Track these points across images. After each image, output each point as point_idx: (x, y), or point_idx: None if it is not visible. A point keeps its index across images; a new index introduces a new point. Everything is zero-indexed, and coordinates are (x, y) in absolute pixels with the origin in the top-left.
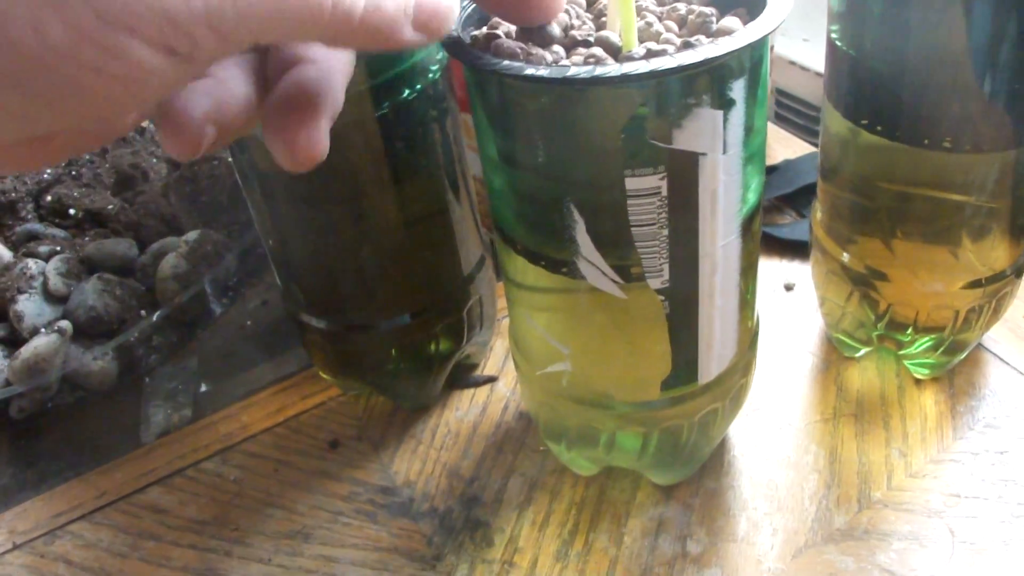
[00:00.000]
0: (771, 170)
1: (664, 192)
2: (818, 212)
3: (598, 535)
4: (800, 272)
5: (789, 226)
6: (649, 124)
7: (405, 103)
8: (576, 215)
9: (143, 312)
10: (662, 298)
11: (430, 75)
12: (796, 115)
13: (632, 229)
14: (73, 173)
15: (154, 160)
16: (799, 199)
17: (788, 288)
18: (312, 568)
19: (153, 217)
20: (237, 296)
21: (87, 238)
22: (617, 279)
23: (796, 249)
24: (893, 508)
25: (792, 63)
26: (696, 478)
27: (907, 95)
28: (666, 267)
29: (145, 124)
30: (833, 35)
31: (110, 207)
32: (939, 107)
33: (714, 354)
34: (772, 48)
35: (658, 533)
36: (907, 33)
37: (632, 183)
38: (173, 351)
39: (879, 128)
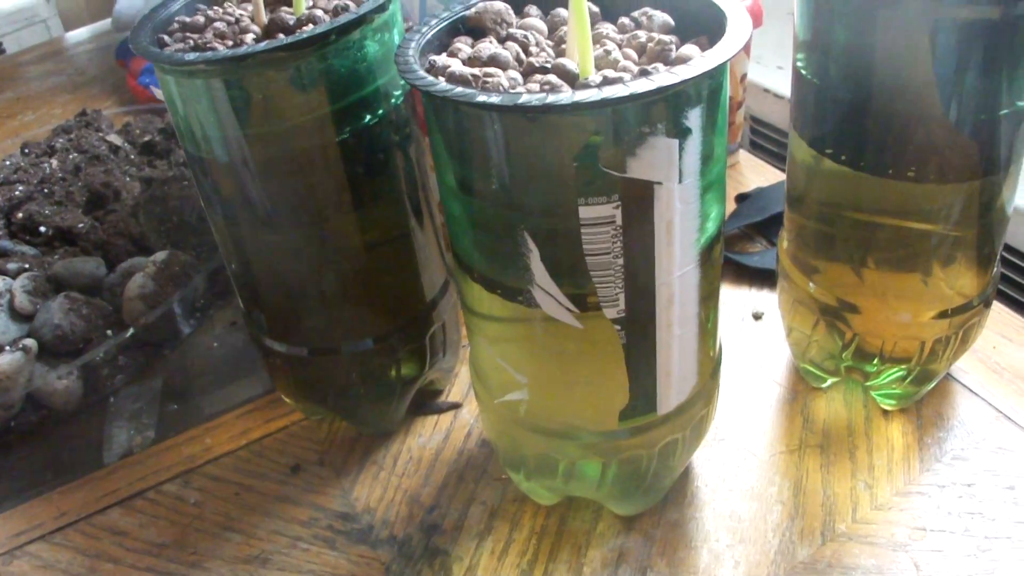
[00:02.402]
0: (742, 198)
1: (618, 221)
2: (785, 241)
3: (557, 565)
4: (769, 301)
5: (759, 254)
6: (602, 152)
7: (367, 128)
8: (530, 243)
9: (109, 332)
10: (618, 327)
11: (392, 100)
12: (770, 143)
13: (586, 258)
14: (45, 191)
15: (127, 179)
16: (770, 227)
17: (756, 317)
18: None
19: (122, 236)
20: (204, 317)
21: (56, 256)
22: (572, 308)
23: (765, 278)
24: (857, 541)
25: (767, 91)
26: (658, 509)
27: (871, 125)
28: (622, 296)
29: (119, 143)
30: (799, 64)
31: (80, 225)
32: (903, 137)
33: (673, 384)
34: (745, 76)
35: (618, 564)
36: (871, 63)
37: (586, 212)
38: (139, 372)
39: (843, 158)
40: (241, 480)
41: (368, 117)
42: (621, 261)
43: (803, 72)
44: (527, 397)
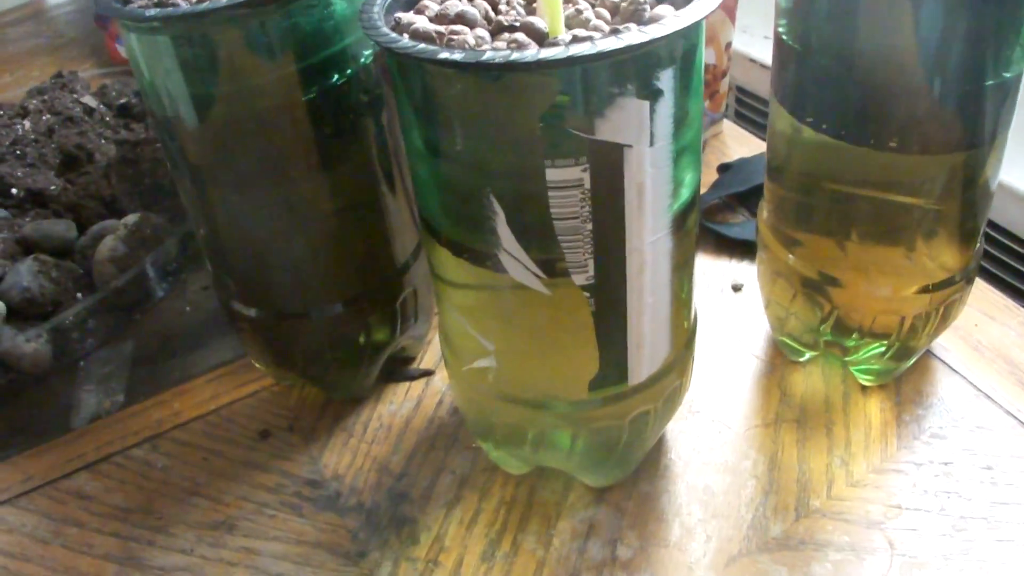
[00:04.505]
0: (725, 168)
1: (587, 184)
2: (764, 211)
3: (526, 536)
4: (749, 273)
5: (740, 225)
6: (569, 113)
7: (334, 88)
8: (496, 206)
9: (79, 295)
10: (587, 295)
11: (361, 60)
12: (755, 113)
13: (554, 222)
14: (18, 152)
15: (102, 142)
16: (751, 198)
17: (736, 289)
18: (233, 560)
19: (94, 199)
20: (177, 281)
21: (27, 218)
22: (540, 274)
23: (746, 249)
24: (832, 518)
25: (753, 60)
26: (630, 481)
27: (853, 93)
28: (591, 263)
29: (94, 105)
30: (780, 30)
31: (52, 187)
32: (886, 106)
33: (645, 354)
34: (730, 45)
35: (588, 536)
36: (855, 29)
37: (553, 174)
38: (109, 335)
39: (824, 127)
40: (209, 445)
41: (336, 77)
42: (590, 226)
43: (785, 38)
44: (495, 365)
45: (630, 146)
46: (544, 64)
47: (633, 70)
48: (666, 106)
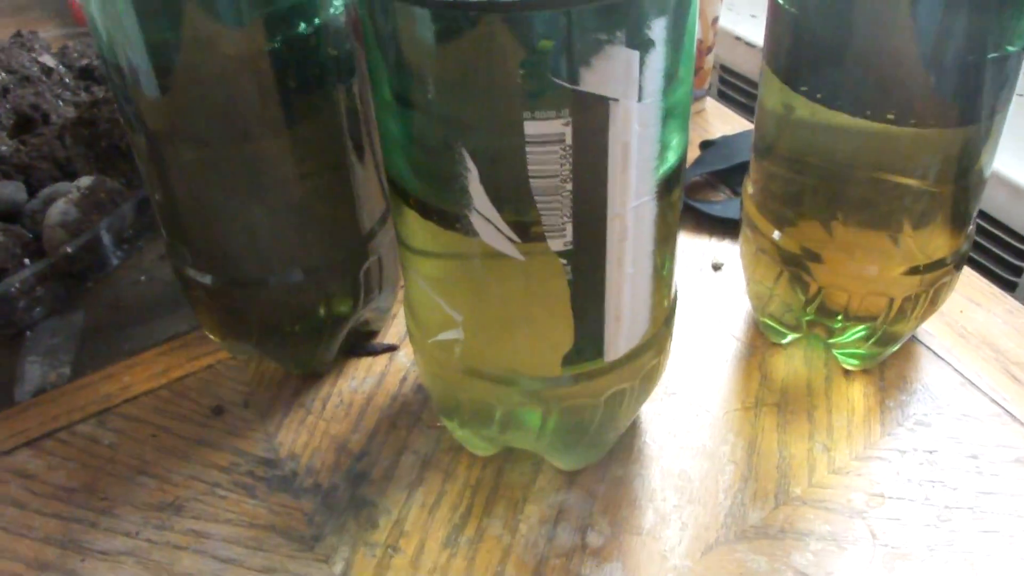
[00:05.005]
0: (707, 145)
1: (568, 140)
2: (750, 188)
3: (492, 521)
4: (730, 252)
5: (722, 203)
6: (553, 61)
7: (300, 38)
8: (469, 163)
9: (27, 261)
10: (564, 262)
11: (331, 9)
12: (739, 92)
13: (531, 181)
14: None
15: (60, 103)
16: (734, 176)
17: (716, 268)
18: (181, 544)
19: (47, 160)
20: (133, 249)
21: None
22: (514, 237)
23: (727, 227)
24: (812, 506)
25: (738, 39)
26: (602, 464)
27: (851, 61)
28: (569, 227)
29: (52, 65)
30: None
31: (4, 148)
32: (885, 76)
33: (623, 329)
34: (716, 20)
35: (557, 522)
36: None
37: (532, 128)
38: (59, 304)
39: (819, 95)
40: (159, 421)
41: (303, 25)
42: (570, 186)
43: (781, 3)
44: (462, 337)
45: (616, 100)
46: (527, 5)
47: (624, 16)
48: (657, 59)
